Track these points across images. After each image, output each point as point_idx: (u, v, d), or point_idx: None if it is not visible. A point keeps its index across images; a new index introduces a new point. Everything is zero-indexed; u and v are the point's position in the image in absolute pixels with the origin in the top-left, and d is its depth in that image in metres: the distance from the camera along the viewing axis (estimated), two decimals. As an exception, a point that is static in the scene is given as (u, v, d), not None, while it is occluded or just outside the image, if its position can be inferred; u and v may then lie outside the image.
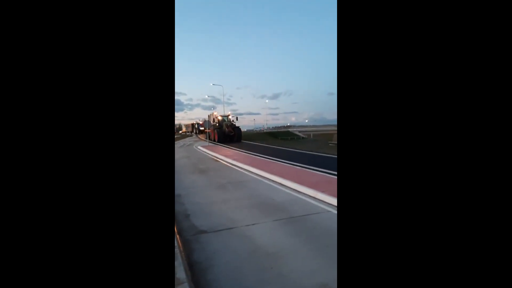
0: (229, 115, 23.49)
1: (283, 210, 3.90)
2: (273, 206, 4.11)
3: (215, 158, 10.73)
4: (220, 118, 22.89)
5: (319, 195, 4.34)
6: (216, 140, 20.34)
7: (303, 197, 4.48)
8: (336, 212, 3.70)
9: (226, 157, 10.14)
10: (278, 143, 19.44)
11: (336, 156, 9.80)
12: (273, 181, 5.83)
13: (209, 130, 23.56)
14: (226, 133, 20.81)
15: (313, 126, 48.04)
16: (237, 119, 23.38)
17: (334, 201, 4.00)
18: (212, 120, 24.07)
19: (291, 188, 5.08)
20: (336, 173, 6.20)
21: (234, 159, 9.24)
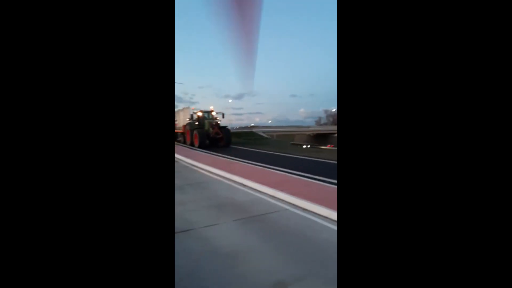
0: (211, 111, 16.88)
1: (243, 209, 3.91)
2: (233, 206, 4.11)
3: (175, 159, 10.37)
4: (200, 114, 16.31)
5: (278, 194, 4.45)
6: (196, 145, 14.67)
7: (263, 197, 4.55)
8: (293, 210, 3.83)
9: (186, 157, 9.86)
10: (242, 144, 19.51)
11: (295, 156, 10.14)
12: (234, 181, 5.82)
13: (181, 131, 17.80)
14: (211, 136, 14.73)
15: (277, 126, 49.27)
16: (223, 117, 17.20)
17: (291, 199, 4.13)
18: (189, 117, 17.83)
19: (252, 188, 5.12)
20: (296, 172, 6.42)
21: (194, 160, 9.03)
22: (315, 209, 3.68)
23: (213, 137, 14.75)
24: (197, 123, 15.96)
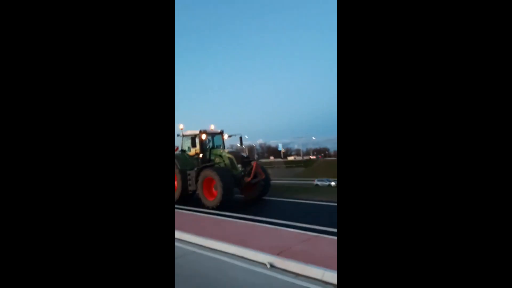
0: (221, 133, 8.30)
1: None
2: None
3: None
4: (204, 137, 7.61)
5: (184, 236, 4.07)
6: (211, 201, 6.38)
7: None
8: (201, 252, 3.54)
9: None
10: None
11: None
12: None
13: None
14: (245, 181, 6.87)
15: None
16: (241, 143, 8.96)
17: (198, 240, 3.83)
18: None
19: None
20: (219, 212, 6.12)
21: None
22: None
23: (248, 182, 6.90)
24: (201, 154, 7.45)
